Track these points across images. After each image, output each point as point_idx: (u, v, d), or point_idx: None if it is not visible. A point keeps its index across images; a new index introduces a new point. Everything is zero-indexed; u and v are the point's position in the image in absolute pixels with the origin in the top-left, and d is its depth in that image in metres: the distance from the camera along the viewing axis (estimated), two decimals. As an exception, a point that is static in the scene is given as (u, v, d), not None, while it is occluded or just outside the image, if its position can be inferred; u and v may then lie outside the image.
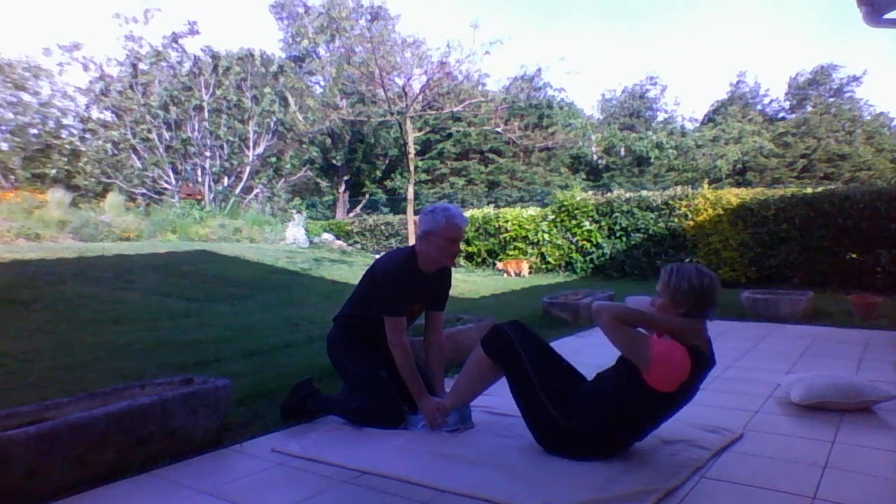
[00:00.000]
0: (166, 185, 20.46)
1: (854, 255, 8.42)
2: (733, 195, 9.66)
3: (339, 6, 23.17)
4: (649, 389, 2.17)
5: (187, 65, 21.16)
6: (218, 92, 20.19)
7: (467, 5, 48.24)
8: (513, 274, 11.56)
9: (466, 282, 9.63)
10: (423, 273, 2.79)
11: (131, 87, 20.64)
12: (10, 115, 23.01)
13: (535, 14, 54.43)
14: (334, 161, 24.96)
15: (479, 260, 12.64)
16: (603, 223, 11.11)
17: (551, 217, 11.77)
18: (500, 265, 11.98)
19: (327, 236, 16.48)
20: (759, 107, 32.70)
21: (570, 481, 2.09)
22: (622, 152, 28.34)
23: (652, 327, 2.23)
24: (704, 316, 2.23)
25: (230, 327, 5.44)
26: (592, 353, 3.47)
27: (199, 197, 19.11)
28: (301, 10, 25.94)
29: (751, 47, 51.49)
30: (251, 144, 20.95)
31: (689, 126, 32.65)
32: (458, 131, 23.66)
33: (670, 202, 10.31)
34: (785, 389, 3.12)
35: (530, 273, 11.78)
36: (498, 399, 3.13)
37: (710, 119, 31.51)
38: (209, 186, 19.94)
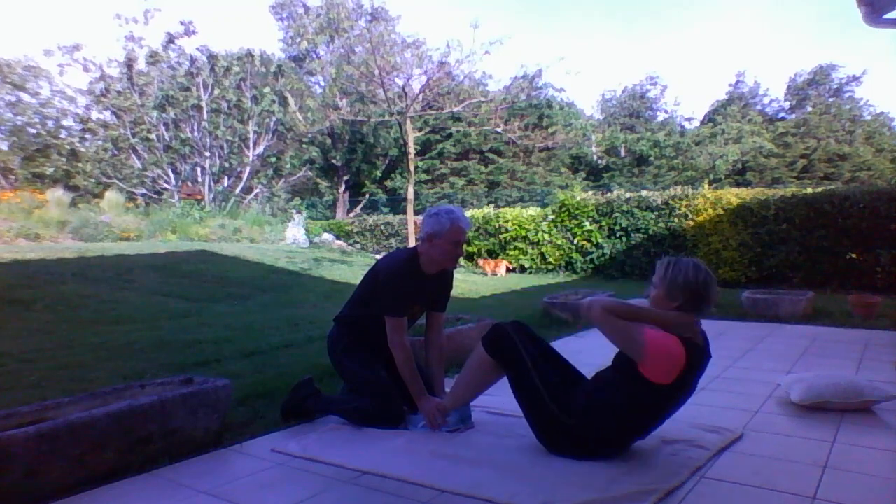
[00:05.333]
0: (166, 185, 20.46)
1: (854, 255, 8.41)
2: (733, 195, 9.66)
3: (338, 6, 23.17)
4: (647, 382, 2.17)
5: (186, 65, 21.18)
6: (216, 92, 20.19)
7: (467, 5, 48.29)
8: (489, 273, 11.58)
9: (466, 282, 9.63)
10: (424, 274, 2.79)
11: (129, 87, 20.65)
12: (10, 115, 23.03)
13: (535, 14, 54.49)
14: (334, 161, 24.95)
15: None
16: (603, 223, 11.11)
17: (551, 217, 11.77)
18: (480, 262, 12.11)
19: (327, 236, 16.48)
20: (758, 107, 32.73)
21: (571, 481, 2.09)
22: (622, 152, 28.35)
23: (644, 320, 2.22)
24: (698, 311, 2.23)
25: (230, 327, 5.43)
26: (592, 353, 3.46)
27: (198, 197, 19.11)
28: (301, 10, 25.95)
29: (751, 47, 51.56)
30: (251, 144, 20.95)
31: (688, 126, 32.68)
32: (458, 131, 23.66)
33: (670, 202, 10.31)
34: (785, 389, 3.12)
35: (530, 273, 11.79)
36: (498, 399, 3.13)
37: (709, 119, 31.51)
38: (209, 186, 19.94)
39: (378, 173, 26.59)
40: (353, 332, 2.89)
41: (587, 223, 11.24)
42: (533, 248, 11.99)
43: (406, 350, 2.69)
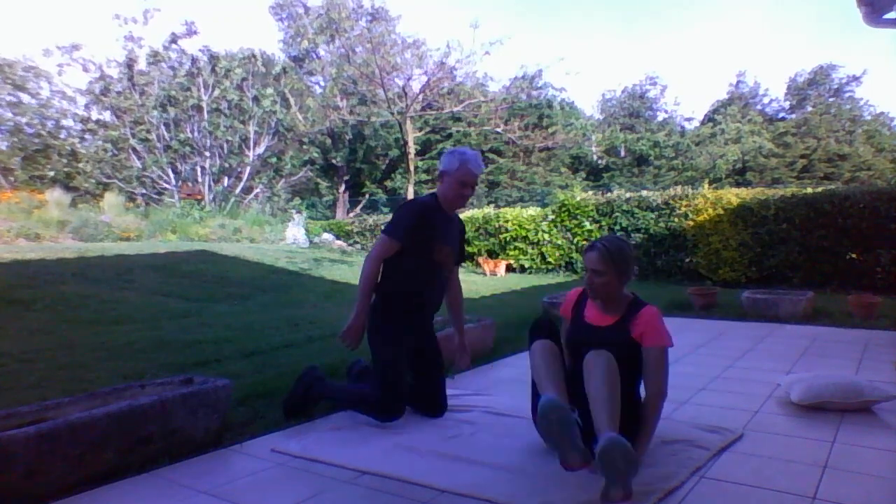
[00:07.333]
0: (166, 186, 20.46)
1: (854, 255, 8.41)
2: (733, 195, 9.65)
3: (338, 6, 23.19)
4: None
5: (187, 65, 21.17)
6: (216, 92, 20.18)
7: (467, 5, 48.31)
8: (489, 273, 11.58)
9: (466, 282, 9.59)
10: (445, 213, 2.88)
11: (130, 87, 20.65)
12: (10, 116, 23.03)
13: (535, 14, 54.53)
14: (334, 161, 24.96)
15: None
16: (603, 223, 11.10)
17: (551, 217, 11.77)
18: (480, 262, 12.14)
19: (327, 236, 16.47)
20: (758, 107, 32.75)
21: (570, 482, 2.08)
22: (622, 152, 28.36)
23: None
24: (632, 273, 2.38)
25: (230, 327, 5.43)
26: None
27: (198, 197, 19.11)
28: (301, 10, 25.96)
29: (751, 47, 51.59)
30: (251, 145, 20.94)
31: (688, 126, 32.70)
32: (458, 131, 23.65)
33: (670, 202, 10.30)
34: (785, 389, 3.12)
35: (530, 273, 11.79)
36: (498, 399, 3.14)
37: (710, 119, 31.53)
38: (209, 186, 19.93)
39: (378, 173, 26.61)
40: (389, 300, 2.85)
41: (587, 223, 11.24)
42: (533, 248, 11.98)
43: (375, 266, 2.77)
